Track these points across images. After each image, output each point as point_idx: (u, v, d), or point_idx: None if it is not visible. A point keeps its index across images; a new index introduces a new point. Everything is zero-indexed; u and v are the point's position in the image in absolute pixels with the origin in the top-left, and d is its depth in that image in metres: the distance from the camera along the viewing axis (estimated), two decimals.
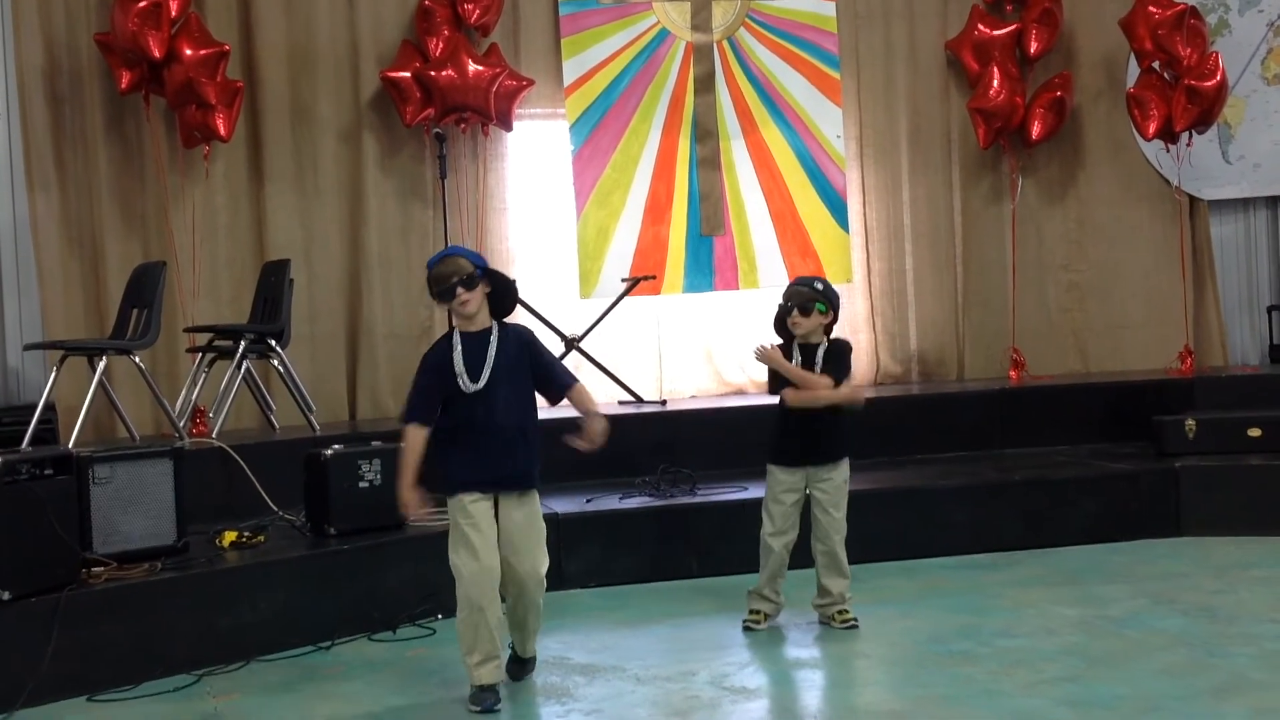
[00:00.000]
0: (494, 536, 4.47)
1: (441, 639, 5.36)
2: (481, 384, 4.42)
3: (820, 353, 5.27)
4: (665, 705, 4.39)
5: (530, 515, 4.54)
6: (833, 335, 5.37)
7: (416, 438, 4.46)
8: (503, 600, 4.55)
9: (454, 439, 4.49)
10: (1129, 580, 5.89)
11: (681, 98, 8.97)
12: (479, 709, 4.41)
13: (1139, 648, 4.78)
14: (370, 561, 5.59)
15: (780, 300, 5.35)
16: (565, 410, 4.79)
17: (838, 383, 5.24)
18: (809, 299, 5.25)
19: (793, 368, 5.24)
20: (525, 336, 4.62)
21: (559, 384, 4.61)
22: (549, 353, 4.76)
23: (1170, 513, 6.83)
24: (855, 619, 5.24)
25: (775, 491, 5.31)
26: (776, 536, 5.29)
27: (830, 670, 4.87)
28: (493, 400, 4.44)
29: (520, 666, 4.77)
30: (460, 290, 4.42)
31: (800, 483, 5.27)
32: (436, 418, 4.51)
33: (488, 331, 4.51)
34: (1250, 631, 4.93)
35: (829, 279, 8.84)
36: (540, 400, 4.63)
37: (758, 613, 5.35)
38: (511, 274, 5.22)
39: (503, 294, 4.56)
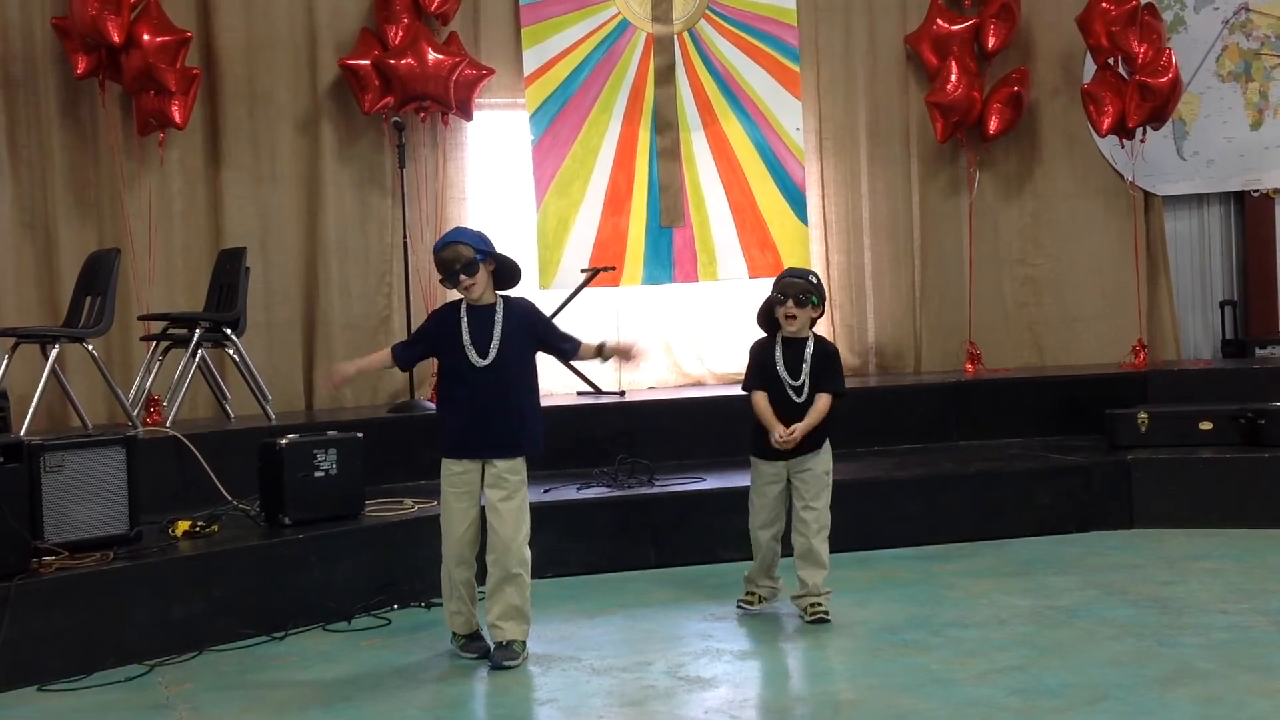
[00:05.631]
0: (475, 506, 4.80)
1: (396, 629, 5.35)
2: (489, 360, 4.72)
3: (809, 351, 5.18)
4: (620, 695, 4.40)
5: (515, 481, 4.78)
6: (816, 330, 5.31)
7: (386, 355, 4.93)
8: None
9: (454, 408, 4.81)
10: (1080, 571, 5.95)
11: (642, 89, 8.97)
12: (474, 655, 4.82)
13: (1089, 638, 4.83)
14: (325, 551, 5.56)
15: (772, 291, 5.23)
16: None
17: (840, 395, 5.22)
18: (805, 290, 5.13)
19: (813, 420, 5.15)
20: (527, 308, 4.92)
21: (567, 350, 4.97)
22: (551, 323, 5.07)
23: (1122, 505, 6.90)
24: (826, 612, 5.16)
25: (758, 484, 5.32)
26: (764, 529, 5.31)
27: (785, 660, 4.89)
28: (497, 374, 4.74)
29: (501, 650, 4.74)
30: (463, 277, 4.71)
31: (782, 473, 5.25)
32: (409, 365, 5.04)
33: (492, 307, 4.80)
34: (1199, 622, 4.99)
35: None
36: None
37: (752, 595, 5.40)
38: None
39: (506, 273, 4.83)
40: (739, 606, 5.39)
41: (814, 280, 5.21)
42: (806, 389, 5.17)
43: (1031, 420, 8.08)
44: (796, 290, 5.13)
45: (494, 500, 4.76)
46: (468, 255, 4.70)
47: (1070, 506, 6.86)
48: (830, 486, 5.26)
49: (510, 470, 4.78)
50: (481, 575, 4.91)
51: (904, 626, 5.09)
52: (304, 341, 8.38)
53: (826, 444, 5.28)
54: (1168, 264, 9.72)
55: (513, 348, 4.76)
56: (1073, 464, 7.06)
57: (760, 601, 5.39)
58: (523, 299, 4.93)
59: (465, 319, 4.77)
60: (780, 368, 5.19)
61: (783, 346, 5.21)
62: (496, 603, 4.77)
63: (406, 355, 5.00)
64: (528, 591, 4.80)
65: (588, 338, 5.04)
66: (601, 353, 5.00)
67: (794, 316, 5.13)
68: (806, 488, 5.21)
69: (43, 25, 7.73)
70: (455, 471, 4.80)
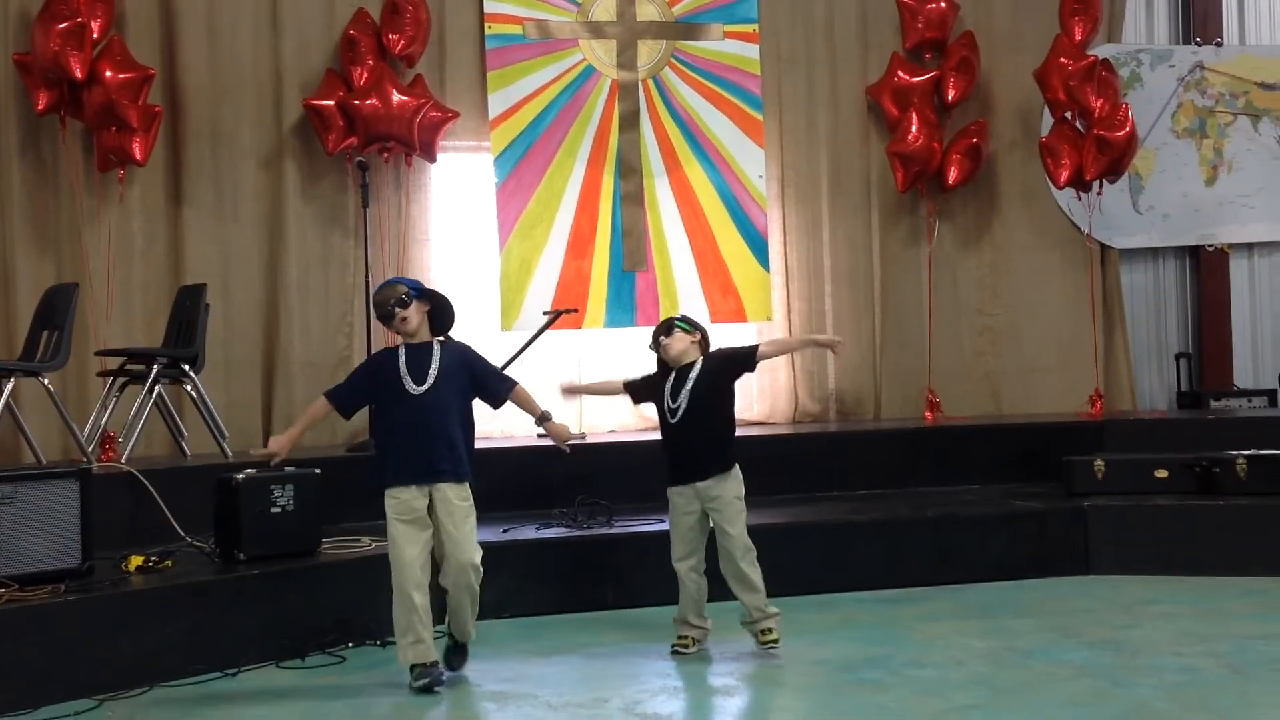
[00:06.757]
0: (424, 531, 4.88)
1: (351, 667, 5.29)
2: (425, 387, 4.90)
3: (693, 374, 5.40)
4: None
5: (464, 507, 4.93)
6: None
7: (320, 406, 5.09)
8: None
9: (392, 438, 4.93)
10: (1037, 615, 5.96)
11: (606, 134, 9.03)
12: (425, 681, 4.80)
13: (1045, 679, 4.84)
14: (280, 588, 5.50)
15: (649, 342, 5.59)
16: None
17: (753, 352, 5.53)
18: (670, 325, 5.50)
19: None
20: (464, 351, 5.12)
21: (499, 389, 5.12)
22: (486, 362, 5.24)
23: (1079, 551, 6.93)
24: (777, 638, 5.27)
25: (674, 515, 5.47)
26: (681, 561, 5.43)
27: (743, 697, 4.87)
28: (433, 402, 4.90)
29: (458, 655, 5.05)
30: (397, 310, 4.93)
31: (694, 502, 5.38)
32: (351, 409, 5.22)
33: (430, 344, 5.00)
34: (1154, 664, 5.01)
35: (749, 317, 9.17)
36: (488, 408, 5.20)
37: (685, 638, 5.42)
38: None
39: (440, 311, 5.05)
40: (673, 652, 5.38)
41: (677, 318, 5.59)
42: (682, 411, 5.37)
43: (990, 467, 8.10)
44: (664, 326, 5.54)
45: (447, 526, 4.88)
46: (400, 291, 4.95)
47: (1028, 552, 6.88)
48: (744, 512, 5.41)
49: (459, 496, 4.93)
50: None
51: (862, 666, 5.08)
52: (263, 379, 8.34)
53: (735, 470, 5.42)
54: (1124, 316, 9.83)
55: (449, 381, 4.94)
56: (1030, 510, 7.09)
57: (694, 644, 5.41)
58: (461, 343, 5.14)
59: (403, 355, 4.97)
60: (666, 390, 5.46)
61: (674, 375, 5.49)
62: (458, 616, 5.01)
63: (349, 401, 5.13)
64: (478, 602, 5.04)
65: (537, 402, 5.19)
66: (543, 421, 5.15)
67: (669, 345, 5.47)
68: (720, 515, 5.36)
69: (4, 61, 7.72)
70: (402, 499, 4.90)
